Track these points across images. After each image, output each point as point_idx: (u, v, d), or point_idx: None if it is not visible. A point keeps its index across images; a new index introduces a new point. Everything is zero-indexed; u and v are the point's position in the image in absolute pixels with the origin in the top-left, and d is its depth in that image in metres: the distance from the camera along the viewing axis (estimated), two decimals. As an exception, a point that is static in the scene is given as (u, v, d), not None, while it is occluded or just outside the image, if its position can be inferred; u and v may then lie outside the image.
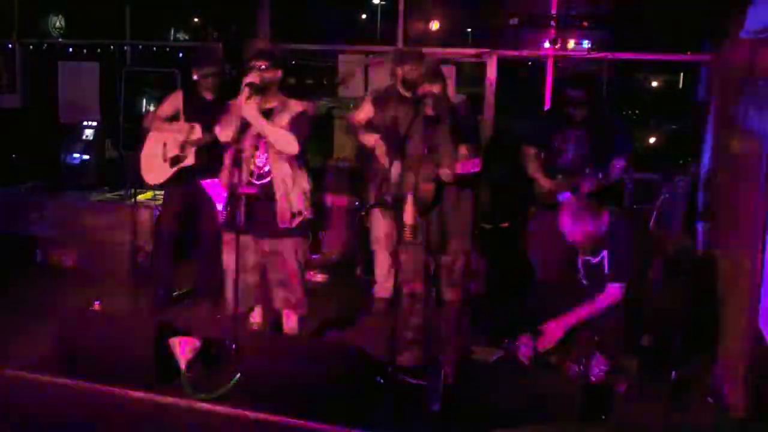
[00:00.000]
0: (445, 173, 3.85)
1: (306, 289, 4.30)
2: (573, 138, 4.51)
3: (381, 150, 4.35)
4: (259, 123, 3.93)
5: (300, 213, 4.07)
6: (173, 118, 4.88)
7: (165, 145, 4.83)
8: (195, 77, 4.84)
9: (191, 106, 4.84)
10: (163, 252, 5.05)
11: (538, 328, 3.98)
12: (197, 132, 4.76)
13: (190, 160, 4.77)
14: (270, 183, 4.03)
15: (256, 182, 4.04)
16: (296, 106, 4.08)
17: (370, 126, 4.61)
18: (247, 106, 3.87)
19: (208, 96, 4.85)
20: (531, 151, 4.67)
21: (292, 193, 4.05)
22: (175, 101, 4.89)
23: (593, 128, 4.48)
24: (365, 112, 4.69)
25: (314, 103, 4.74)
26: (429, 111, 3.98)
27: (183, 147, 4.78)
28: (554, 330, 3.88)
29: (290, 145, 3.97)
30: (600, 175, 4.26)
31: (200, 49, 5.07)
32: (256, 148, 4.05)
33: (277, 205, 4.03)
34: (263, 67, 3.97)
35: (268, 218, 4.04)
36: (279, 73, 4.06)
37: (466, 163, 3.78)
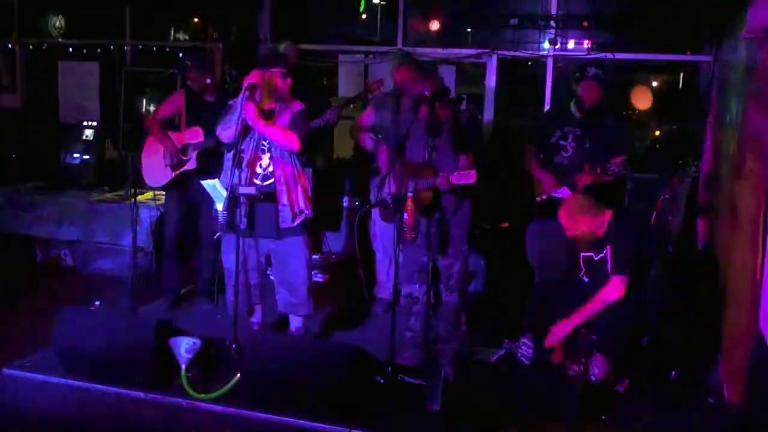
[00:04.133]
0: (440, 184, 3.86)
1: (311, 288, 4.31)
2: (572, 135, 4.52)
3: (382, 153, 4.37)
4: (259, 124, 3.95)
5: (301, 212, 4.09)
6: (174, 118, 4.85)
7: (166, 148, 4.79)
8: (189, 82, 4.83)
9: (193, 107, 4.82)
10: (168, 255, 5.05)
11: (547, 327, 3.98)
12: (198, 135, 4.74)
13: (192, 164, 4.76)
14: (273, 183, 4.04)
15: (261, 183, 4.05)
16: (296, 105, 4.12)
17: (371, 129, 4.64)
18: (247, 108, 3.88)
19: (209, 98, 4.85)
20: (531, 149, 4.68)
21: (295, 192, 4.06)
22: (176, 102, 4.87)
23: (592, 125, 4.48)
24: (367, 116, 4.72)
25: (337, 110, 4.74)
26: (429, 114, 3.98)
27: (184, 150, 4.76)
28: (561, 329, 3.89)
29: (292, 143, 4.00)
30: (598, 170, 4.26)
31: (190, 56, 5.05)
32: (260, 149, 4.06)
33: (280, 204, 4.04)
34: (278, 72, 3.99)
35: (269, 218, 4.05)
36: (289, 81, 4.07)
37: (462, 175, 3.78)
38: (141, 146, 5.00)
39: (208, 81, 4.80)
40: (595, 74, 4.39)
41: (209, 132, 4.65)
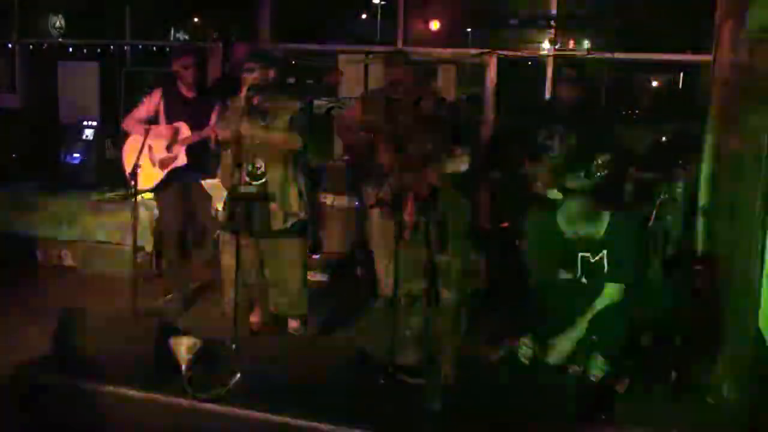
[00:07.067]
0: (431, 175, 3.86)
1: (306, 290, 4.30)
2: (558, 135, 4.52)
3: (380, 151, 4.37)
4: (260, 136, 3.96)
5: (295, 215, 4.08)
6: (153, 118, 4.79)
7: (150, 148, 4.70)
8: (175, 68, 4.75)
9: (171, 105, 4.77)
10: (172, 259, 5.04)
11: (547, 328, 3.98)
12: (184, 131, 4.72)
13: (182, 160, 4.74)
14: (265, 184, 4.04)
15: (253, 182, 4.05)
16: (294, 105, 4.13)
17: (360, 127, 4.63)
18: (245, 126, 3.88)
19: (188, 93, 4.79)
20: (522, 149, 4.68)
21: (287, 194, 4.05)
22: (153, 101, 4.79)
23: (578, 124, 4.48)
24: (355, 112, 4.71)
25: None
26: (427, 112, 3.99)
27: (169, 147, 4.73)
28: (565, 343, 3.89)
29: (291, 144, 4.00)
30: (581, 174, 4.24)
31: (181, 44, 5.06)
32: (256, 149, 4.06)
33: (271, 207, 4.03)
34: (255, 68, 3.99)
35: (264, 218, 4.06)
36: (271, 73, 4.08)
37: (454, 161, 3.79)
38: (120, 149, 4.96)
39: (188, 69, 4.72)
40: (568, 76, 4.47)
41: (192, 128, 4.65)
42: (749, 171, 3.67)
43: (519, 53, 6.74)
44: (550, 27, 6.31)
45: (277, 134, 4.00)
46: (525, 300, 4.19)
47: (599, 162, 4.10)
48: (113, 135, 6.55)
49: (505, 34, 7.35)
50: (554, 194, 4.37)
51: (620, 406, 3.61)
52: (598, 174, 4.11)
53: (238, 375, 3.60)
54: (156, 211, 5.41)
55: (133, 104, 4.97)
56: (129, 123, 4.84)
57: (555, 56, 6.32)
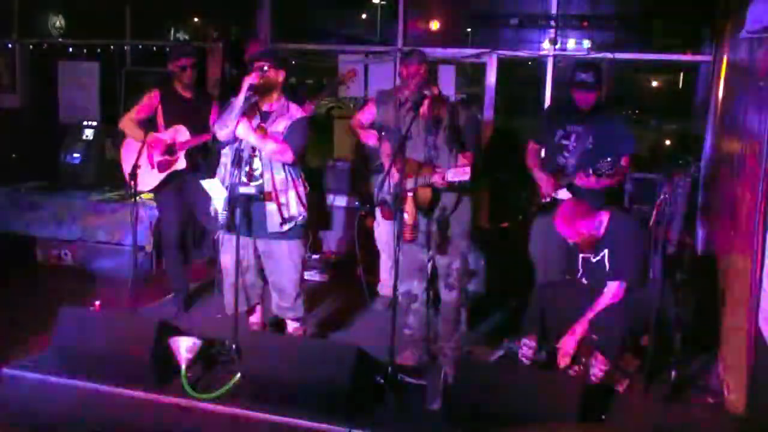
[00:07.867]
0: (436, 181, 3.86)
1: (304, 291, 4.29)
2: (574, 134, 4.49)
3: (384, 150, 4.36)
4: (251, 139, 3.93)
5: (291, 218, 4.04)
6: (150, 118, 4.76)
7: (150, 149, 4.69)
8: (172, 69, 4.72)
9: (170, 105, 4.75)
10: (172, 259, 5.04)
11: (547, 328, 3.98)
12: (184, 134, 4.71)
13: (182, 164, 4.72)
14: (262, 185, 4.01)
15: (251, 183, 4.02)
16: (296, 112, 4.06)
17: (372, 126, 4.62)
18: (240, 125, 3.86)
19: (186, 94, 4.77)
20: (534, 147, 4.65)
21: (285, 197, 4.02)
22: (151, 101, 4.77)
23: (595, 124, 4.44)
24: (368, 112, 4.70)
25: (313, 105, 4.75)
26: (428, 113, 3.97)
27: (170, 150, 4.73)
28: (569, 343, 3.88)
29: (284, 155, 3.95)
30: (590, 171, 4.23)
31: (179, 44, 5.02)
32: (255, 149, 4.02)
33: (267, 209, 4.01)
34: (265, 67, 3.95)
35: (261, 219, 4.03)
36: (282, 74, 4.04)
37: (457, 172, 3.78)
38: (118, 150, 4.96)
39: (185, 70, 4.70)
40: (582, 80, 4.33)
41: (190, 130, 4.65)
42: (749, 171, 3.67)
43: (519, 53, 6.74)
44: (550, 27, 6.31)
45: (271, 143, 3.94)
46: (525, 300, 4.19)
47: (606, 161, 4.11)
48: (113, 135, 6.56)
49: (506, 33, 7.35)
50: (564, 194, 4.37)
51: (620, 406, 3.61)
52: (603, 173, 4.11)
53: (238, 375, 3.60)
54: (156, 211, 5.41)
55: (133, 104, 4.96)
56: (126, 123, 4.81)
57: (555, 56, 6.33)
